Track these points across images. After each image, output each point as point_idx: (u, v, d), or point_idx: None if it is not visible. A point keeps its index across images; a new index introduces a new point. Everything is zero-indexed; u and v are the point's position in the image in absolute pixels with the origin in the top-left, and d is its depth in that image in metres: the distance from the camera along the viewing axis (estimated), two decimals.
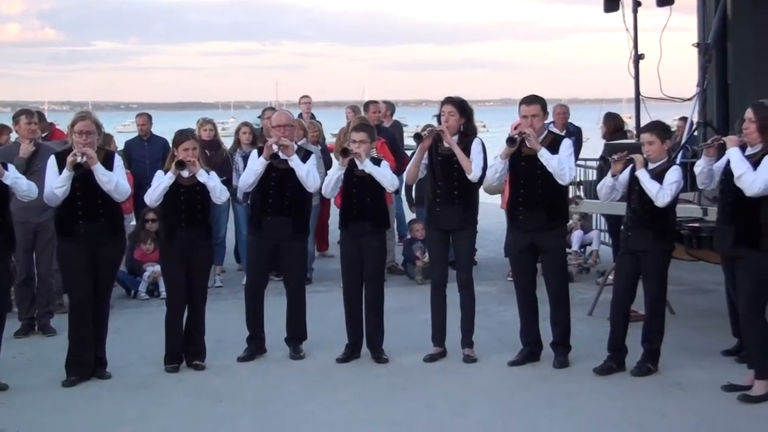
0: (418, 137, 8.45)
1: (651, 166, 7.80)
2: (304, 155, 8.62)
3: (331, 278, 11.39)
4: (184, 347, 8.29)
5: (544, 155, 7.96)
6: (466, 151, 8.24)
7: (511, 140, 8.04)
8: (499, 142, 8.46)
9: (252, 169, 8.51)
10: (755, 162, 7.07)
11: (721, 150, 7.49)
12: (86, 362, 7.93)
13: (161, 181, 8.11)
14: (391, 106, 14.07)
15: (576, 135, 12.98)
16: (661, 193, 7.64)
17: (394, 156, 11.46)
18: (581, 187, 13.98)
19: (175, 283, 8.30)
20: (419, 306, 9.43)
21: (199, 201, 8.24)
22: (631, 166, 7.87)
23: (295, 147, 8.62)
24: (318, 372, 8.21)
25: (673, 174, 7.72)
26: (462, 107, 8.37)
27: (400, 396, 7.55)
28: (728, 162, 7.24)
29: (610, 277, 9.37)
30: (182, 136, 8.26)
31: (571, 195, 12.66)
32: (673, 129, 13.45)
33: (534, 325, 8.37)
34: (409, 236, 12.74)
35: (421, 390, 7.68)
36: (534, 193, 8.11)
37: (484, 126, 56.03)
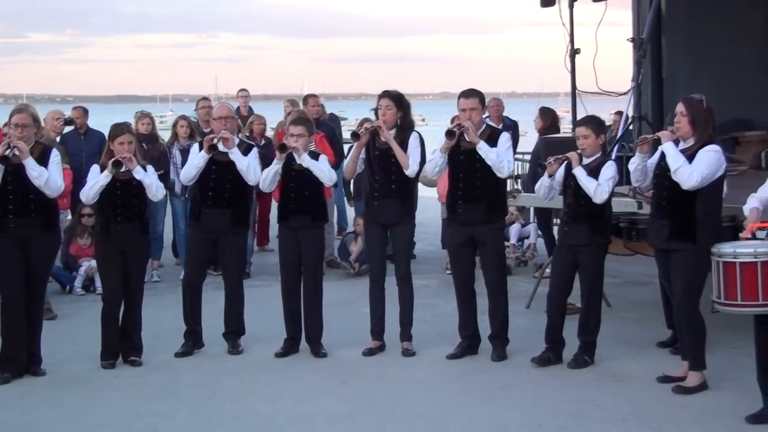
0: (355, 136, 8.47)
1: (586, 161, 7.87)
2: (246, 148, 8.57)
3: (270, 272, 11.35)
4: (121, 343, 8.21)
5: (482, 148, 7.99)
6: (404, 145, 8.26)
7: (449, 133, 8.07)
8: (437, 136, 8.48)
9: (193, 163, 8.46)
10: (690, 156, 7.16)
11: (655, 146, 7.57)
12: (19, 359, 7.81)
13: (97, 180, 8.02)
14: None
15: (512, 129, 13.09)
16: (599, 190, 7.72)
17: (333, 150, 11.44)
18: (519, 180, 14.10)
19: (111, 278, 8.21)
20: (358, 300, 9.44)
21: (136, 195, 8.15)
22: (566, 162, 7.94)
23: (237, 140, 8.57)
24: (256, 367, 8.18)
25: (609, 170, 7.80)
26: (399, 101, 8.38)
27: (339, 390, 7.55)
28: (663, 157, 7.32)
29: (548, 270, 9.45)
30: (118, 129, 8.17)
31: (509, 188, 12.77)
32: (608, 123, 13.61)
33: (472, 318, 8.41)
34: (350, 230, 12.75)
35: (360, 384, 7.69)
36: (473, 187, 8.15)
37: (424, 120, 56.21)
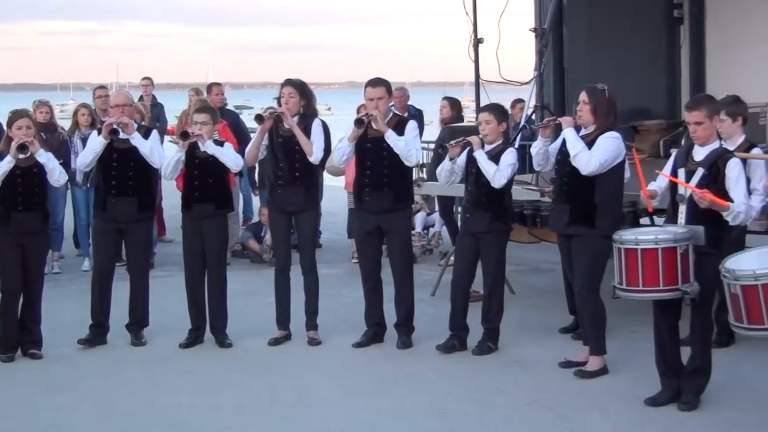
0: (259, 118, 8.40)
1: (488, 147, 7.94)
2: (146, 132, 8.46)
3: (174, 262, 11.21)
4: (20, 336, 8.05)
5: (390, 137, 8.01)
6: (307, 133, 8.23)
7: (359, 122, 8.07)
8: (343, 125, 8.47)
9: (90, 148, 8.33)
10: (590, 142, 7.27)
11: (557, 132, 7.67)
12: None
13: None
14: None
15: (417, 118, 13.12)
16: (497, 174, 7.79)
17: (237, 139, 11.34)
18: (424, 169, 14.14)
19: (9, 269, 8.02)
20: (263, 289, 9.39)
21: (37, 184, 7.99)
22: (468, 148, 8.00)
23: (135, 125, 8.45)
24: (160, 358, 8.10)
25: (509, 156, 7.88)
26: (302, 89, 8.35)
27: (244, 380, 7.51)
28: (564, 142, 7.43)
29: (452, 258, 9.51)
30: (16, 115, 8.01)
31: (414, 177, 12.82)
32: (510, 112, 13.74)
33: (378, 307, 8.44)
34: (254, 220, 12.69)
35: (265, 374, 7.65)
36: (380, 175, 8.15)
37: (329, 109, 56.16)
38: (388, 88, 8.25)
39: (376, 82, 8.21)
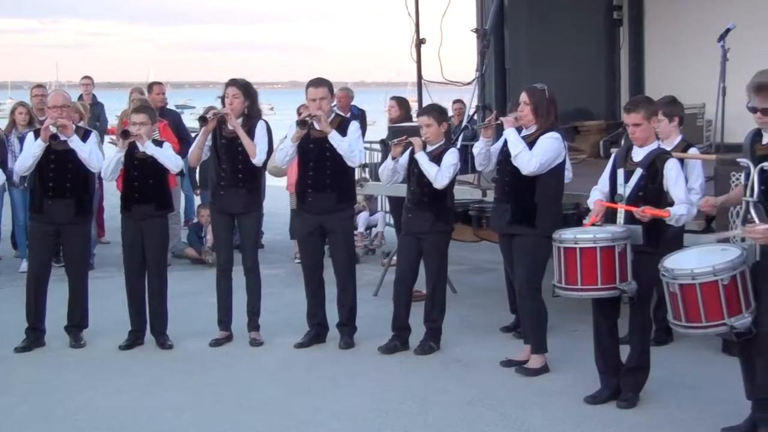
0: (202, 119, 8.35)
1: (429, 148, 7.96)
2: (84, 134, 8.36)
3: (114, 264, 11.09)
4: None
5: (334, 138, 7.99)
6: (251, 134, 8.19)
7: (302, 123, 8.04)
8: (285, 125, 8.43)
9: (29, 152, 8.19)
10: (531, 142, 7.32)
11: (499, 132, 7.71)
12: None
13: None
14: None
15: (360, 118, 13.13)
16: (439, 175, 7.81)
17: (177, 138, 11.26)
18: (366, 169, 14.14)
19: None
20: (205, 290, 9.34)
21: None
22: (410, 148, 8.02)
23: (74, 127, 8.35)
24: (100, 360, 8.01)
25: (451, 156, 7.90)
26: (246, 90, 8.31)
27: (184, 382, 7.45)
28: (505, 142, 7.47)
29: (395, 258, 9.53)
30: None
31: (357, 177, 12.81)
32: (451, 114, 13.80)
33: (321, 307, 8.43)
34: (195, 220, 12.60)
35: (206, 375, 7.60)
36: (323, 175, 8.13)
37: (272, 109, 55.97)
38: (330, 88, 8.23)
39: (318, 83, 8.19)
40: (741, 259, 5.72)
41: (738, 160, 6.07)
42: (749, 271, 5.76)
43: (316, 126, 8.04)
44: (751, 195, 5.76)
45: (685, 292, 5.82)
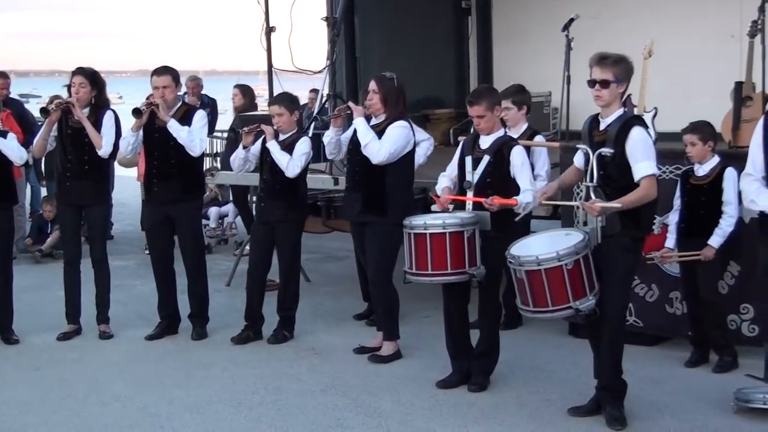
0: (44, 112, 8.15)
1: (282, 137, 7.94)
2: None
3: None
4: None
5: (173, 126, 7.90)
6: (98, 124, 8.02)
7: (136, 111, 7.93)
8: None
9: None
10: (380, 132, 7.37)
11: (349, 121, 7.74)
12: None
13: None
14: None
15: (211, 106, 13.02)
16: (291, 164, 7.80)
17: (22, 129, 10.93)
18: (218, 158, 14.04)
19: None
20: (52, 284, 9.14)
21: None
22: (262, 137, 7.98)
23: None
24: None
25: (303, 145, 7.90)
26: (93, 79, 8.13)
27: (32, 377, 7.26)
28: (355, 132, 7.50)
29: (247, 247, 9.49)
30: None
31: (207, 167, 12.70)
32: (305, 101, 13.79)
33: (171, 298, 8.35)
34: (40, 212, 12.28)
35: (54, 370, 7.43)
36: (168, 165, 8.04)
37: (121, 97, 54.87)
38: (174, 76, 8.12)
39: (162, 71, 8.07)
40: (583, 243, 5.88)
41: (577, 146, 6.24)
42: (591, 254, 5.92)
43: (158, 115, 7.93)
44: (591, 180, 5.92)
45: (531, 278, 5.94)
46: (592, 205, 5.79)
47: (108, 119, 8.07)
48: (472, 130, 7.09)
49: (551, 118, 11.71)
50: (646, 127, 6.04)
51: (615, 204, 5.76)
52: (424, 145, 8.45)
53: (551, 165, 8.00)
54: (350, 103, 7.86)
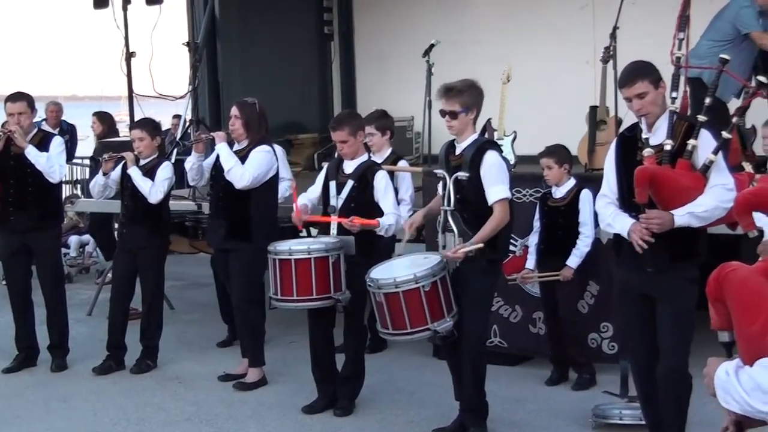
0: None
1: (142, 162, 7.84)
2: None
3: None
4: None
5: (31, 153, 7.72)
6: None
7: None
8: None
9: None
10: (243, 157, 7.33)
11: (211, 146, 7.68)
12: None
13: None
14: None
15: (70, 133, 12.78)
16: (153, 190, 7.71)
17: None
18: (78, 185, 13.77)
19: None
20: None
21: None
22: (123, 163, 7.87)
23: None
24: None
25: (165, 170, 7.81)
26: None
27: None
28: (218, 157, 7.44)
29: (109, 275, 9.31)
30: None
31: (67, 194, 12.44)
32: (168, 127, 13.64)
33: (29, 330, 8.12)
34: None
35: None
36: (25, 193, 7.85)
37: None
38: (29, 102, 7.94)
39: (17, 97, 7.90)
40: (440, 265, 5.94)
41: (435, 171, 6.32)
42: (450, 277, 5.99)
43: (15, 142, 7.75)
44: (448, 204, 6.01)
45: (390, 301, 5.96)
46: (454, 254, 5.86)
47: None
48: (336, 155, 7.11)
49: (414, 142, 11.85)
50: (500, 151, 6.15)
51: (475, 246, 5.84)
52: (284, 185, 8.27)
53: (415, 189, 8.08)
54: (213, 132, 7.80)
